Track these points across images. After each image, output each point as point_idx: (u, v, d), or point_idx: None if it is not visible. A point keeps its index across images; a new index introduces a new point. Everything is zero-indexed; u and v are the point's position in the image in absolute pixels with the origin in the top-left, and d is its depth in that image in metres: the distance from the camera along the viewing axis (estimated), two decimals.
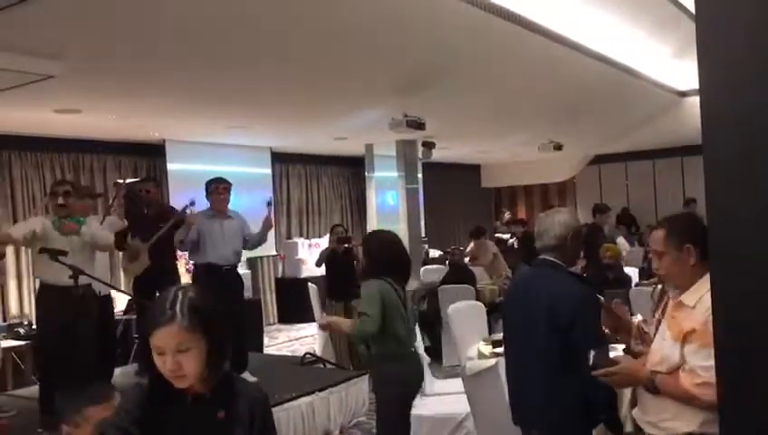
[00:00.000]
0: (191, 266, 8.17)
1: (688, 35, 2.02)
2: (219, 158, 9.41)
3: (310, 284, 7.67)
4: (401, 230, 10.54)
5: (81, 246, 4.72)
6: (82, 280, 4.45)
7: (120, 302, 7.63)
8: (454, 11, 4.64)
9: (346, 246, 7.08)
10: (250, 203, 9.90)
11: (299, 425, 4.80)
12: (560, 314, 2.66)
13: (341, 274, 6.89)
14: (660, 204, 13.29)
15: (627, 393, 2.84)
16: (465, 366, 3.90)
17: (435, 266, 9.73)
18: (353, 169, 12.12)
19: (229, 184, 5.78)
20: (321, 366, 6.22)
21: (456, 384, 4.75)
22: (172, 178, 8.96)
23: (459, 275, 7.74)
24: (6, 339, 6.48)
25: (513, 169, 14.69)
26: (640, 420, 2.45)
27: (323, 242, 10.62)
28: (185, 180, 8.89)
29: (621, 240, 9.81)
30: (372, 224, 11.23)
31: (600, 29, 5.78)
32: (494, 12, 4.85)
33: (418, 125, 7.38)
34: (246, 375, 4.41)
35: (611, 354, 2.54)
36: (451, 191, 13.90)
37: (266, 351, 7.43)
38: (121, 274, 8.71)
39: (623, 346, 2.88)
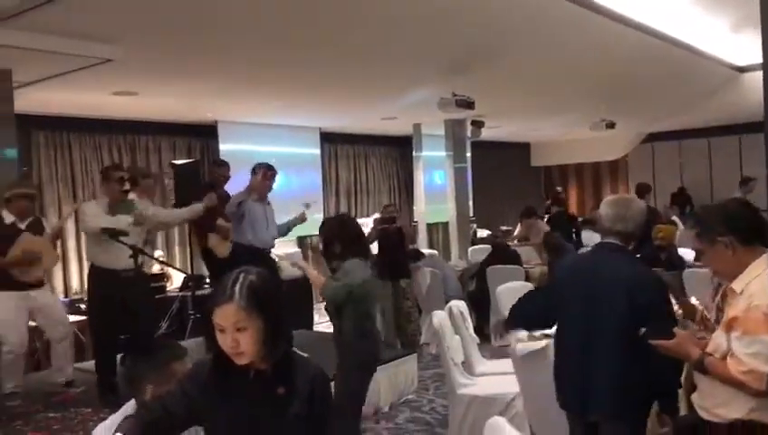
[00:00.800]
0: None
1: (747, 8, 1.98)
2: (269, 138, 9.55)
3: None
4: (449, 210, 10.54)
5: (140, 230, 4.86)
6: (132, 263, 4.61)
7: (176, 279, 7.86)
8: None
9: (395, 225, 7.08)
10: (299, 183, 10.06)
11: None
12: (635, 296, 2.66)
13: (392, 253, 6.89)
14: (716, 183, 12.95)
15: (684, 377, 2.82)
16: (515, 347, 3.91)
17: (483, 247, 9.70)
18: (401, 148, 12.13)
19: (275, 171, 5.92)
20: None
21: (505, 364, 4.75)
22: (224, 158, 9.08)
23: (502, 256, 7.69)
24: (70, 314, 6.74)
25: (564, 148, 14.47)
26: (697, 405, 2.44)
27: (371, 222, 10.70)
28: (236, 160, 9.00)
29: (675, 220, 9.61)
30: (420, 204, 11.25)
31: (654, 3, 5.64)
32: None
33: (468, 104, 7.34)
34: None
35: None
36: (500, 170, 13.79)
37: (316, 328, 7.55)
38: (177, 251, 8.99)
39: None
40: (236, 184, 6.78)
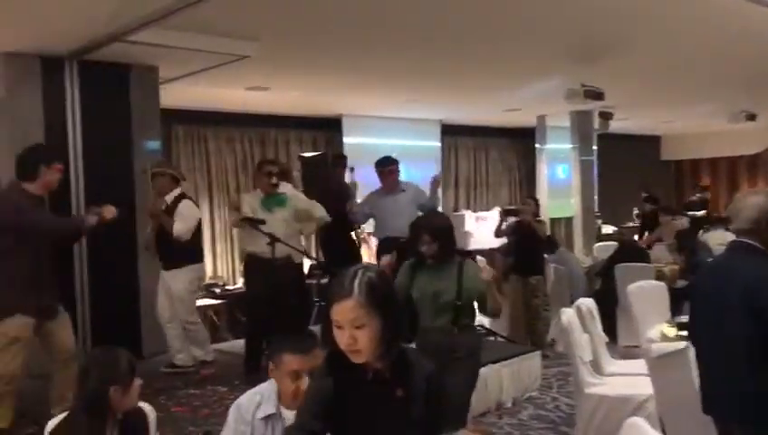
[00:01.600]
0: (365, 236, 8.54)
1: None
2: (391, 131, 9.67)
3: (479, 257, 7.68)
4: (574, 205, 10.25)
5: (283, 221, 5.06)
6: (282, 251, 4.82)
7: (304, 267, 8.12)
8: None
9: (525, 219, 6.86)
10: (419, 175, 10.10)
11: (471, 396, 4.87)
12: (757, 298, 2.54)
13: (527, 248, 6.67)
14: None
15: None
16: (649, 348, 3.76)
17: (609, 243, 9.36)
18: (523, 141, 11.91)
19: (395, 163, 5.99)
20: (492, 339, 6.25)
21: (634, 365, 4.58)
22: (347, 151, 9.29)
23: (630, 253, 7.37)
24: (204, 298, 7.15)
25: (697, 141, 13.70)
26: None
27: (491, 215, 10.59)
28: (359, 153, 9.24)
29: None
30: (543, 198, 11.01)
31: None
32: None
33: (596, 95, 7.10)
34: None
35: None
36: (627, 164, 13.24)
37: None
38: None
39: None
40: (359, 176, 6.95)
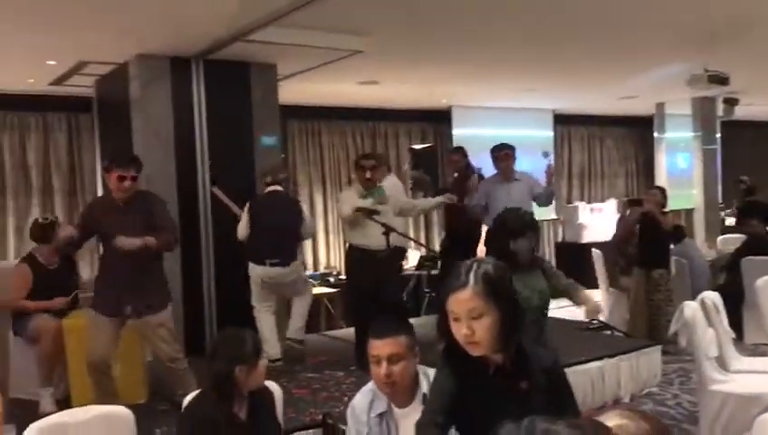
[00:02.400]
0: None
1: None
2: (501, 121, 9.57)
3: (594, 250, 7.50)
4: (696, 196, 9.78)
5: (384, 212, 5.15)
6: (386, 243, 4.92)
7: (412, 258, 8.22)
8: None
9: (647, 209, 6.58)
10: (531, 166, 9.95)
11: (588, 389, 4.79)
12: None
13: (650, 240, 6.35)
14: None
15: None
16: None
17: (734, 236, 8.86)
18: (640, 129, 11.47)
19: (511, 149, 5.89)
20: (609, 333, 6.10)
21: (763, 362, 4.37)
22: (457, 143, 9.30)
23: (757, 246, 6.94)
24: (320, 286, 7.39)
25: None
26: None
27: (606, 207, 10.28)
28: (469, 144, 9.18)
29: None
30: None
31: None
32: None
33: (721, 80, 6.73)
34: None
35: None
36: (754, 153, 12.46)
37: (550, 314, 7.45)
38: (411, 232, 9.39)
39: None
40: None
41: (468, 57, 6.34)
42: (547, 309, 3.39)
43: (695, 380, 4.47)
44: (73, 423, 2.68)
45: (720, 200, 10.40)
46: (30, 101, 7.05)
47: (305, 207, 5.63)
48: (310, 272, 8.00)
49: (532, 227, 3.31)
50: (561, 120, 10.67)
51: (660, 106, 10.21)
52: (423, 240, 9.17)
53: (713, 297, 4.43)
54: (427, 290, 7.37)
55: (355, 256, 5.14)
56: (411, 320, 6.25)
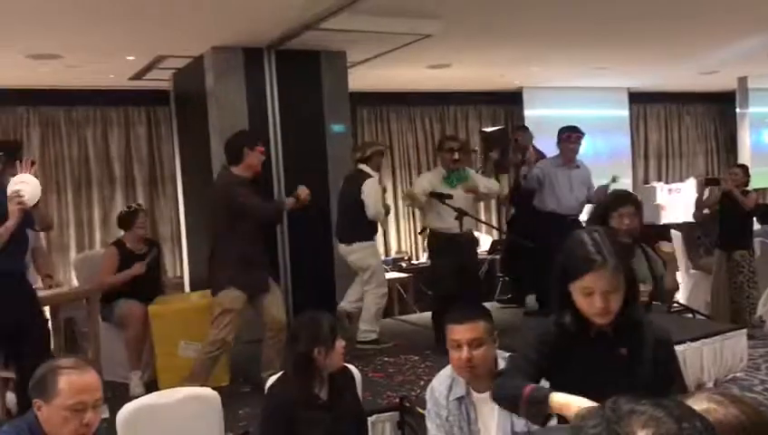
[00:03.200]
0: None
1: None
2: (574, 102, 9.35)
3: (673, 231, 7.28)
4: None
5: (466, 197, 5.12)
6: (467, 226, 4.90)
7: (485, 242, 8.17)
8: None
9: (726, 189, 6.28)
10: (606, 147, 9.72)
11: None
12: None
13: (731, 220, 6.10)
14: None
15: None
16: None
17: None
18: (720, 105, 10.99)
19: (582, 134, 5.75)
20: (690, 316, 5.92)
21: None
22: (529, 125, 9.15)
23: None
24: (392, 271, 7.43)
25: None
26: None
27: (684, 186, 9.92)
28: (541, 126, 9.04)
29: None
30: None
31: None
32: None
33: None
34: None
35: None
36: None
37: None
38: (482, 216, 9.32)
39: None
40: (543, 149, 6.81)
41: (540, 37, 6.22)
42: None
43: None
44: (163, 405, 2.80)
45: None
46: (111, 96, 7.35)
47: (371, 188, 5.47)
48: (382, 257, 8.05)
49: (635, 199, 3.43)
50: (637, 99, 10.33)
51: (743, 80, 9.75)
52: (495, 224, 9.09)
53: None
54: (500, 275, 7.31)
55: (438, 241, 5.13)
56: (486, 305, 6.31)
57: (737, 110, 10.12)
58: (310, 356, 2.68)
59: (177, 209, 7.50)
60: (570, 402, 1.75)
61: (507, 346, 2.67)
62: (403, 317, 6.58)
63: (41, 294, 4.28)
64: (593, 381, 1.86)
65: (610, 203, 3.47)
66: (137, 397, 4.24)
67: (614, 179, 5.66)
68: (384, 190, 5.90)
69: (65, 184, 7.28)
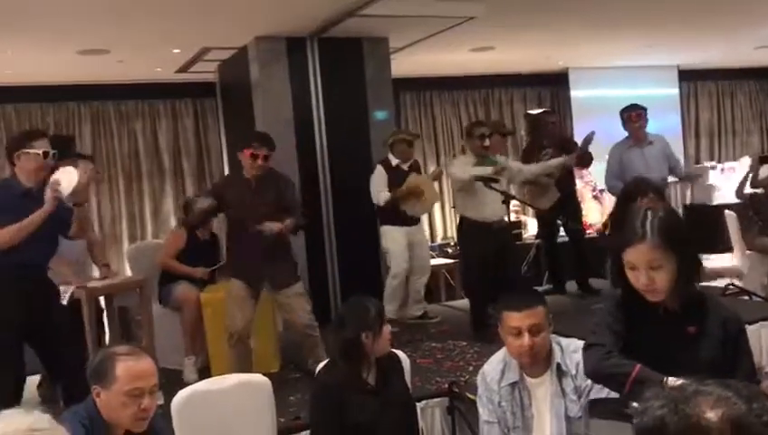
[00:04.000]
0: (598, 193, 8.23)
1: None
2: (622, 81, 9.13)
3: (727, 211, 7.07)
4: None
5: (508, 181, 5.06)
6: (502, 213, 4.84)
7: (531, 227, 8.07)
8: None
9: None
10: (656, 127, 9.43)
11: None
12: None
13: None
14: None
15: None
16: None
17: None
18: None
19: (642, 109, 5.62)
20: (746, 298, 5.75)
21: None
22: (575, 106, 9.02)
23: None
24: (437, 257, 7.41)
25: None
26: None
27: (738, 166, 9.61)
28: (587, 107, 8.89)
29: None
30: None
31: None
32: None
33: None
34: None
35: None
36: None
37: None
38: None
39: None
40: (586, 131, 6.66)
41: (586, 14, 6.08)
42: None
43: None
44: (216, 391, 2.86)
45: None
46: (159, 89, 7.47)
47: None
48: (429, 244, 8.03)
49: (656, 186, 3.42)
50: (687, 76, 10.04)
51: None
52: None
53: None
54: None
55: (468, 229, 5.08)
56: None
57: None
58: (357, 341, 2.70)
59: None
60: None
61: (563, 332, 2.69)
62: (450, 303, 6.55)
63: (94, 284, 4.40)
64: (660, 358, 1.87)
65: (632, 192, 3.40)
66: (190, 383, 4.35)
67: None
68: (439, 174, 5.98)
69: (117, 177, 7.45)
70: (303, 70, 5.91)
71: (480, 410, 2.56)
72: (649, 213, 1.89)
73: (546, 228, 6.36)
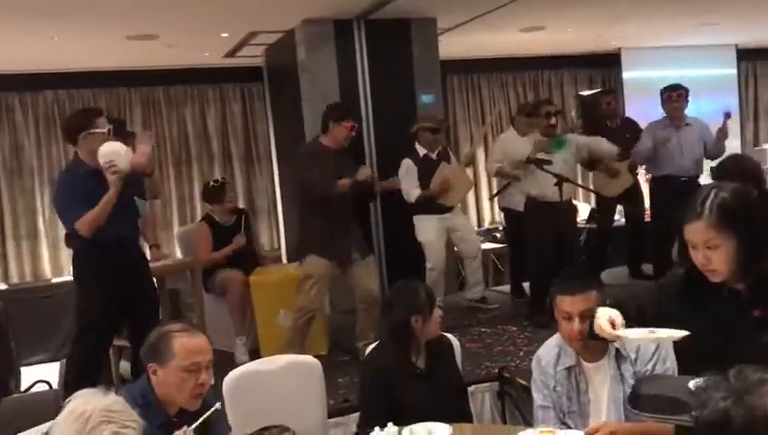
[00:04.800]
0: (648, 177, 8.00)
1: None
2: (677, 61, 8.83)
3: None
4: None
5: (564, 162, 4.92)
6: (566, 194, 4.74)
7: (583, 211, 7.89)
8: None
9: None
10: (711, 108, 9.13)
11: None
12: None
13: None
14: None
15: None
16: None
17: None
18: None
19: (684, 90, 5.46)
20: None
21: None
22: (627, 87, 8.77)
23: None
24: (485, 242, 7.32)
25: None
26: None
27: None
28: (640, 88, 8.61)
29: None
30: None
31: None
32: None
33: None
34: None
35: None
36: None
37: None
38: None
39: None
40: (639, 112, 6.49)
41: None
42: None
43: None
44: (267, 371, 2.86)
45: None
46: (207, 74, 7.53)
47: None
48: (475, 228, 7.94)
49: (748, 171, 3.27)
50: (746, 56, 9.67)
51: None
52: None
53: None
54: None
55: (532, 208, 4.99)
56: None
57: None
58: (407, 324, 2.67)
59: (273, 182, 7.64)
60: None
61: None
62: (498, 288, 6.47)
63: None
64: (721, 342, 1.80)
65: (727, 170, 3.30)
66: (242, 364, 4.40)
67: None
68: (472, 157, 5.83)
69: (167, 161, 7.55)
70: (350, 52, 5.87)
71: (534, 394, 2.50)
72: (713, 191, 1.81)
73: (605, 214, 6.21)
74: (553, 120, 4.91)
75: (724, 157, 4.53)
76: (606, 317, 1.93)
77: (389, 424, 2.31)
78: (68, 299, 4.77)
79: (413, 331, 2.69)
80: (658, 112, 5.86)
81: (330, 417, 3.16)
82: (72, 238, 3.84)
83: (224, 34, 6.12)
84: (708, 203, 1.78)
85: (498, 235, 7.52)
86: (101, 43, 6.05)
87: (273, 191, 7.69)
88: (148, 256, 4.69)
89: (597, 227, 6.36)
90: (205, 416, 2.12)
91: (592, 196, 8.14)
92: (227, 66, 7.36)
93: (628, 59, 8.76)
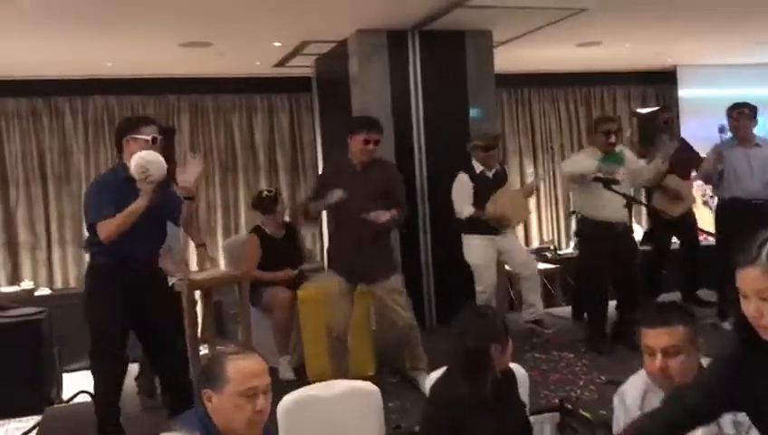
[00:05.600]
0: (708, 198, 7.71)
1: None
2: (736, 79, 8.53)
3: None
4: None
5: (624, 181, 4.72)
6: (624, 215, 4.53)
7: (637, 233, 7.64)
8: None
9: None
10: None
11: None
12: None
13: None
14: None
15: None
16: None
17: None
18: None
19: (746, 107, 5.24)
20: None
21: None
22: (684, 106, 8.51)
23: None
24: (537, 262, 7.10)
25: None
26: None
27: None
28: (697, 107, 8.36)
29: None
30: None
31: None
32: None
33: None
34: None
35: None
36: None
37: None
38: None
39: None
40: (694, 132, 6.23)
41: (700, 8, 5.65)
42: None
43: None
44: (324, 397, 2.72)
45: None
46: (256, 83, 7.49)
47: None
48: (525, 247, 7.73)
49: None
50: None
51: None
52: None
53: None
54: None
55: (587, 230, 4.80)
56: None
57: None
58: (485, 354, 2.47)
59: None
60: None
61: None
62: (549, 310, 6.26)
63: (197, 277, 4.37)
64: None
65: None
66: (287, 381, 4.26)
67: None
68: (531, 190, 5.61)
69: (213, 169, 7.51)
70: (404, 64, 5.75)
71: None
72: None
73: (662, 235, 5.98)
74: (613, 139, 4.73)
75: None
76: None
77: None
78: None
79: (491, 361, 2.50)
80: (713, 133, 5.64)
81: None
82: (87, 242, 3.68)
83: (276, 44, 6.06)
84: (766, 249, 1.54)
85: (549, 254, 7.32)
86: (154, 50, 6.04)
87: None
88: (195, 257, 4.60)
89: (653, 250, 6.11)
90: None
91: (644, 216, 7.96)
92: (276, 76, 7.32)
93: (684, 76, 8.51)
